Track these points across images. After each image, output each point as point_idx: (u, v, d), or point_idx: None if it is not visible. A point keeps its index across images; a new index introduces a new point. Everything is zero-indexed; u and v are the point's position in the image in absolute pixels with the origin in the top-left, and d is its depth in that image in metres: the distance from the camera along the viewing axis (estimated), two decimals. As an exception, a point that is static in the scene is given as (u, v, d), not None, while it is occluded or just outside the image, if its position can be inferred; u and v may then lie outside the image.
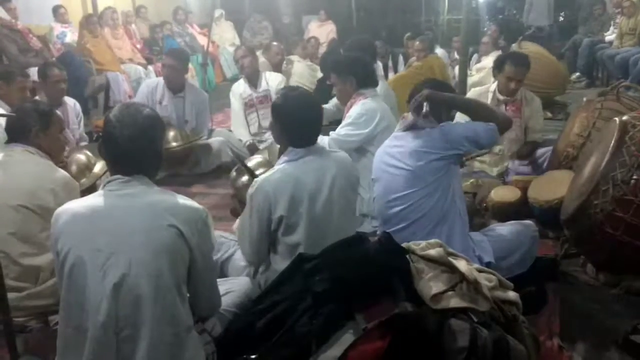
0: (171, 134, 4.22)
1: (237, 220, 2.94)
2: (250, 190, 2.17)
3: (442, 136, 2.31)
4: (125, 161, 1.68)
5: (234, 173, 3.57)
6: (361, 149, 3.18)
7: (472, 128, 2.36)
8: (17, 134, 2.47)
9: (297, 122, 2.18)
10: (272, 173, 2.17)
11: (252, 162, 3.48)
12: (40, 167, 2.42)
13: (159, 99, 4.45)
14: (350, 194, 2.29)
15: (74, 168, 3.24)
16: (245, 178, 3.33)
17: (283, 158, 2.22)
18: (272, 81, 4.74)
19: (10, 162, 2.41)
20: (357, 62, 3.31)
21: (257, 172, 3.00)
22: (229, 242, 2.51)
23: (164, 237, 1.60)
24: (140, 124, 1.67)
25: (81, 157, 3.36)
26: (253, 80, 4.69)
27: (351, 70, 3.24)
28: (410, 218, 2.33)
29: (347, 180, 2.26)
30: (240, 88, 4.74)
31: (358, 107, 3.14)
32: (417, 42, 6.09)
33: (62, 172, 2.50)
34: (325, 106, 4.02)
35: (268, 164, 3.31)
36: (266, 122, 4.58)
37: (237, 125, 4.77)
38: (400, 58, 7.44)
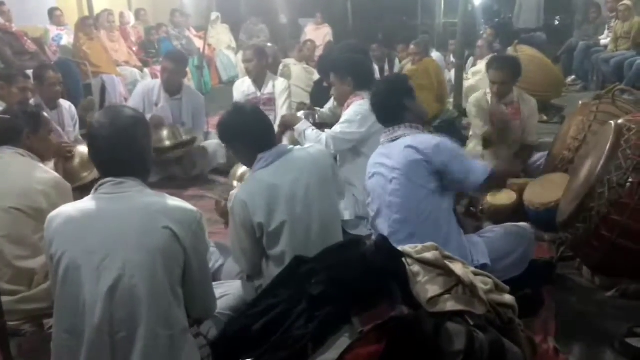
0: (164, 132, 4.16)
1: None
2: (229, 203, 2.18)
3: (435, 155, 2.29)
4: (108, 163, 1.68)
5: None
6: (355, 150, 3.21)
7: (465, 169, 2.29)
8: (7, 136, 2.46)
9: (250, 131, 2.20)
10: (247, 182, 2.18)
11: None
12: (31, 169, 2.41)
13: (156, 101, 4.43)
14: (328, 186, 2.28)
15: (77, 161, 3.19)
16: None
17: (255, 166, 2.22)
18: (278, 86, 4.63)
19: (1, 165, 2.39)
20: (357, 63, 3.34)
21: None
22: (217, 251, 2.51)
23: (158, 239, 1.59)
24: (118, 125, 1.67)
25: (85, 150, 3.32)
26: (259, 82, 4.60)
27: (350, 70, 3.27)
28: (406, 220, 2.33)
29: (322, 173, 2.26)
30: (244, 86, 4.67)
31: (354, 107, 3.18)
32: (412, 46, 6.09)
33: (53, 173, 2.49)
34: (321, 110, 4.03)
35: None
36: None
37: None
38: (397, 61, 7.47)
